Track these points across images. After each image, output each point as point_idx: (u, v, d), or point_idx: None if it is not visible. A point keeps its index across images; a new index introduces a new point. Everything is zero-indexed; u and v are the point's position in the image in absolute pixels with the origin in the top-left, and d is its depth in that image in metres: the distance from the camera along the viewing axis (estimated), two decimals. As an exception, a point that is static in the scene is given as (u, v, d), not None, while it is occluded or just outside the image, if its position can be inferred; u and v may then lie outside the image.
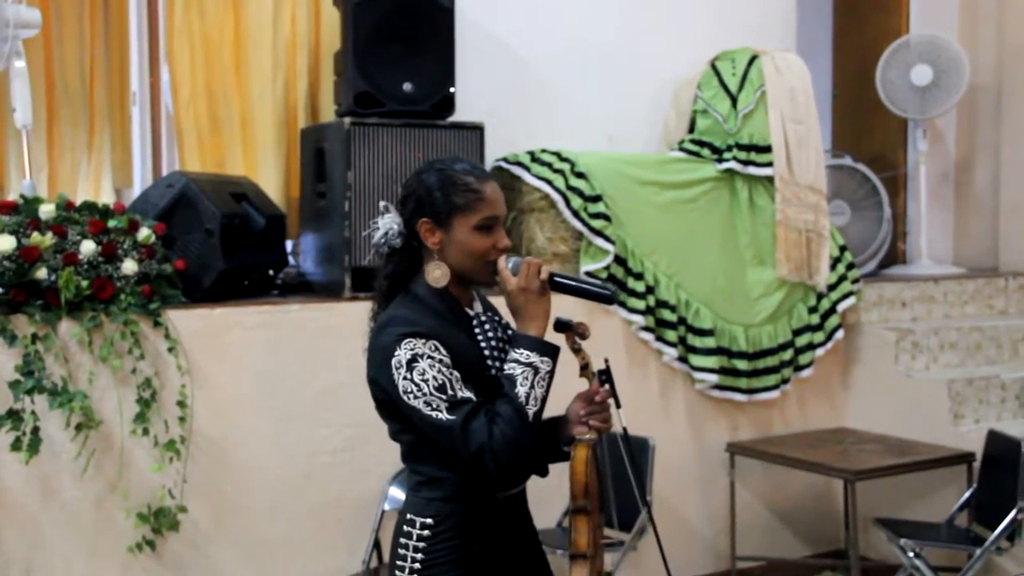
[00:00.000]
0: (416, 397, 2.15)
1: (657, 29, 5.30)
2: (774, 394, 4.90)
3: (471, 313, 2.31)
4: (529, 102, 5.00)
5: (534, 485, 4.35)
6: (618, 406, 2.30)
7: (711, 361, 4.74)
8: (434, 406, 2.14)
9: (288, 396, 3.93)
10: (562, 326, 2.32)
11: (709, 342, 4.74)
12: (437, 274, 2.24)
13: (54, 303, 3.56)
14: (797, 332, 4.97)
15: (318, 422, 3.96)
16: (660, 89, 5.30)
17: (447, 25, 4.42)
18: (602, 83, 5.18)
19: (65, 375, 3.55)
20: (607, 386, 2.32)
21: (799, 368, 5.00)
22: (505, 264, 2.25)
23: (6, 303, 3.50)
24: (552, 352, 2.22)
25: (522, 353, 2.20)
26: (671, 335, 4.69)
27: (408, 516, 2.30)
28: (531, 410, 2.17)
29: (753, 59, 5.05)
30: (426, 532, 2.26)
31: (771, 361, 4.89)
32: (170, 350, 3.74)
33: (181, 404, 3.73)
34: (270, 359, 3.92)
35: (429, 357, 2.16)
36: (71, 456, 3.57)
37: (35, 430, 3.47)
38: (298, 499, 3.94)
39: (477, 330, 2.28)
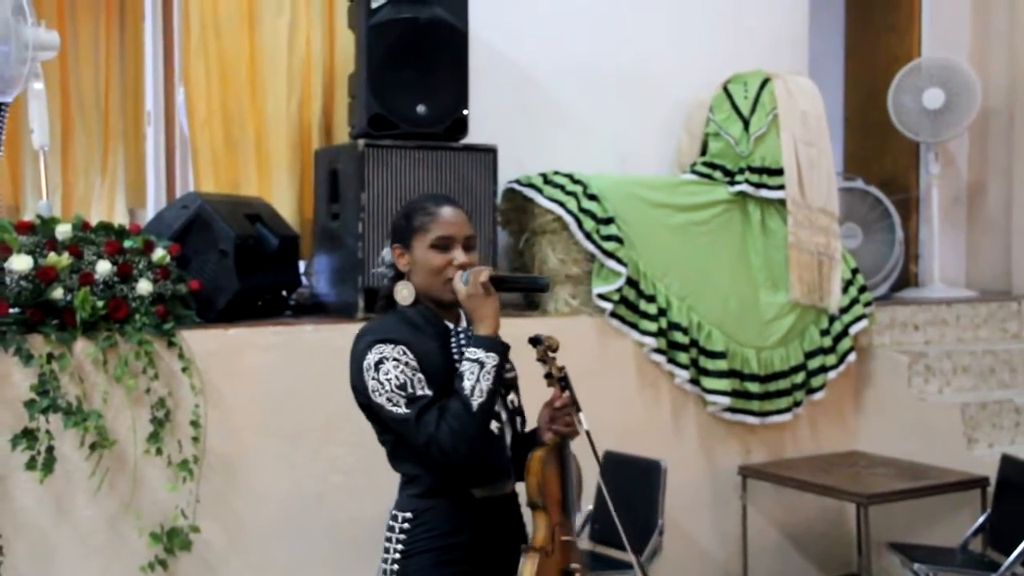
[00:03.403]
0: (381, 394, 2.38)
1: (669, 52, 5.32)
2: (786, 417, 4.90)
3: (450, 327, 2.51)
4: (542, 124, 5.02)
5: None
6: (577, 410, 2.47)
7: (723, 384, 4.73)
8: (395, 402, 2.37)
9: (301, 416, 3.94)
10: (533, 340, 2.53)
11: (721, 364, 4.74)
12: (404, 293, 2.50)
13: (70, 323, 3.58)
14: (809, 355, 4.97)
15: (331, 442, 3.97)
16: (672, 112, 5.32)
17: (461, 48, 4.45)
18: (614, 106, 5.20)
19: (80, 394, 3.57)
20: (567, 392, 2.50)
21: (811, 391, 4.99)
22: (459, 279, 2.43)
23: (23, 322, 3.52)
24: (498, 348, 2.39)
25: (472, 351, 2.38)
26: (683, 357, 4.69)
27: (392, 512, 2.51)
28: (475, 401, 2.33)
29: (765, 82, 5.06)
30: (406, 526, 2.47)
31: (783, 384, 4.88)
32: (184, 370, 3.75)
33: (194, 424, 3.74)
34: (283, 379, 3.93)
35: (395, 359, 2.38)
36: (85, 475, 3.58)
37: (50, 449, 3.48)
38: (311, 519, 3.95)
39: (452, 341, 2.48)
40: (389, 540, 2.49)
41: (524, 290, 2.47)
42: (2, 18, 3.89)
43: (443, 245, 2.45)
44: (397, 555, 2.47)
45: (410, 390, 2.36)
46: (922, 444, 4.84)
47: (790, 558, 4.99)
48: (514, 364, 2.58)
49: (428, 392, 2.37)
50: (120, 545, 3.65)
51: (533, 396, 2.64)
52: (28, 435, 3.46)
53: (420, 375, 2.38)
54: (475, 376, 2.35)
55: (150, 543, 3.65)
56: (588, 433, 2.45)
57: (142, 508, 3.66)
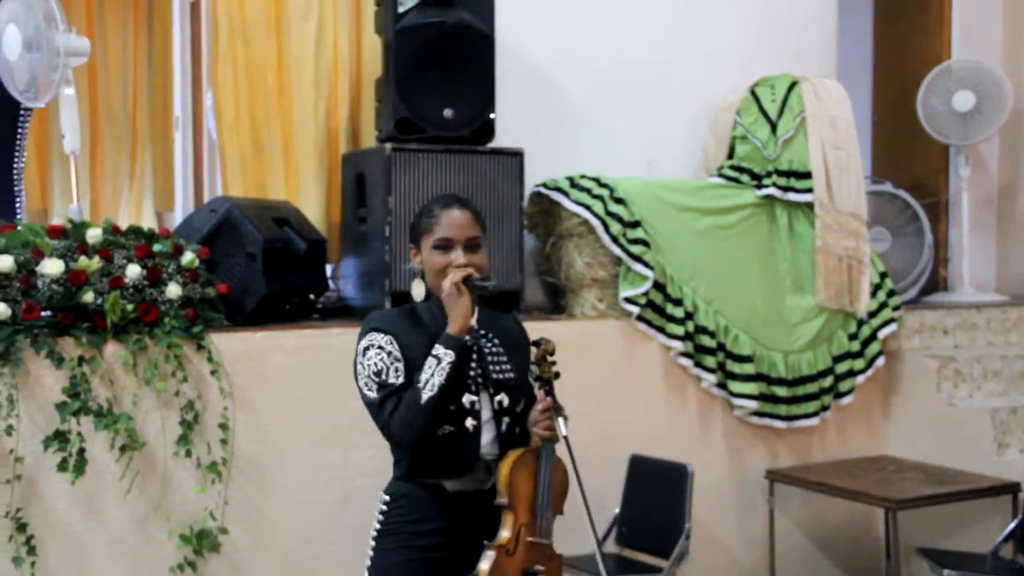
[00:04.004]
0: (360, 378, 2.57)
1: (696, 55, 5.31)
2: (814, 421, 4.87)
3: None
4: (568, 128, 5.02)
5: (568, 511, 4.35)
6: (558, 415, 2.52)
7: (750, 387, 4.72)
8: (368, 387, 2.55)
9: (328, 419, 3.96)
10: (534, 343, 2.68)
11: (748, 368, 4.72)
12: (417, 290, 2.67)
13: (100, 326, 3.61)
14: (837, 359, 4.94)
15: (357, 445, 3.97)
16: (698, 115, 5.31)
17: (487, 52, 4.46)
18: (641, 109, 5.19)
19: (110, 397, 3.60)
20: (549, 397, 2.55)
21: (839, 395, 4.96)
22: (448, 280, 2.55)
23: (54, 326, 3.55)
24: (455, 346, 2.48)
25: (435, 347, 2.50)
26: (710, 361, 4.68)
27: (381, 492, 2.70)
28: (425, 395, 2.46)
29: (793, 85, 5.04)
30: (384, 507, 2.66)
31: (811, 388, 4.86)
32: (213, 373, 3.78)
33: (223, 427, 3.77)
34: (310, 382, 3.95)
35: (379, 347, 2.55)
36: (116, 477, 3.61)
37: (81, 451, 3.51)
38: (337, 521, 3.96)
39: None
40: (375, 518, 2.69)
41: (479, 292, 2.53)
42: (34, 25, 3.93)
43: (444, 246, 2.58)
44: (375, 533, 2.67)
45: (383, 377, 2.52)
46: (952, 449, 4.81)
47: (818, 563, 4.97)
48: (515, 365, 2.63)
49: (399, 381, 2.51)
50: (150, 546, 3.68)
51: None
52: (60, 437, 3.49)
53: (399, 365, 2.53)
54: (431, 371, 2.47)
55: (179, 544, 3.68)
56: (566, 439, 2.49)
57: (171, 510, 3.68)
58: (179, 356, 3.71)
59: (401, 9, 4.32)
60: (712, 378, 4.69)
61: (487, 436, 2.59)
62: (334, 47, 4.71)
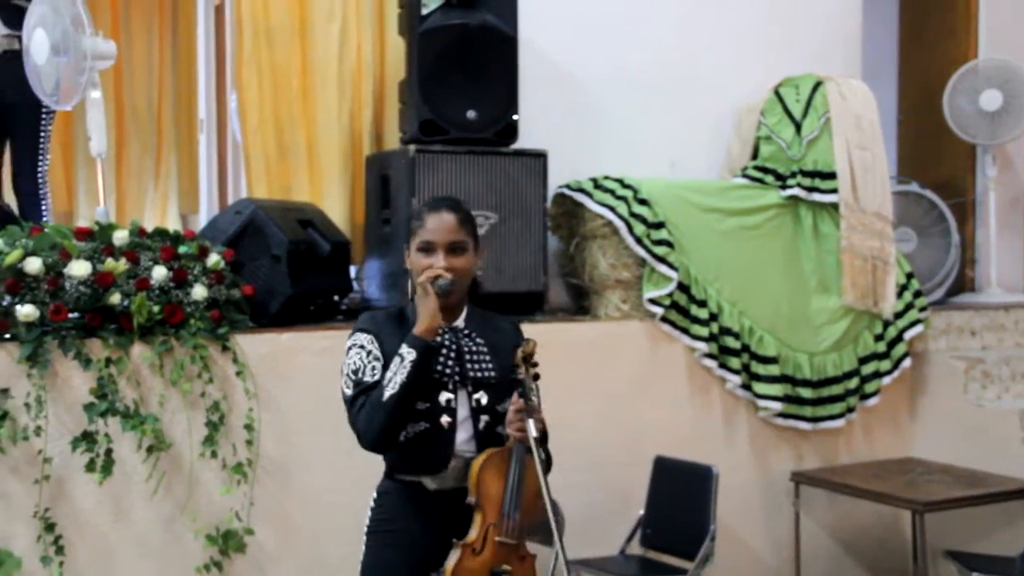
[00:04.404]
0: (342, 375, 2.63)
1: (719, 55, 5.29)
2: (839, 423, 4.84)
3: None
4: (592, 129, 5.02)
5: (593, 513, 4.35)
6: (529, 416, 2.50)
7: (775, 389, 4.69)
8: (346, 384, 2.62)
9: (353, 420, 3.95)
10: (515, 345, 2.65)
11: (773, 369, 4.70)
12: (417, 294, 2.67)
13: (127, 327, 3.63)
14: (863, 360, 4.91)
15: (382, 447, 3.97)
16: (722, 116, 5.29)
17: (510, 53, 4.46)
18: (664, 110, 5.18)
19: (137, 398, 3.62)
20: (522, 399, 2.55)
21: (865, 397, 4.93)
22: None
23: (82, 327, 3.58)
24: (417, 344, 2.50)
25: (401, 346, 2.53)
26: (735, 362, 4.66)
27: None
28: (387, 392, 2.49)
29: (817, 85, 5.02)
30: (372, 504, 2.71)
31: (836, 389, 4.83)
32: (238, 374, 3.79)
33: (248, 427, 3.78)
34: (335, 383, 3.91)
35: (360, 347, 2.61)
36: (142, 477, 3.63)
37: (108, 452, 3.53)
38: (362, 522, 3.89)
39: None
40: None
41: (441, 293, 2.57)
42: (62, 29, 3.96)
43: (426, 249, 2.62)
44: (366, 528, 2.71)
45: (360, 376, 2.58)
46: (979, 451, 4.77)
47: (844, 565, 4.94)
48: (498, 365, 2.64)
49: (373, 380, 2.55)
50: (176, 546, 3.70)
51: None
52: (87, 438, 3.51)
53: (378, 364, 2.58)
54: (394, 370, 2.51)
55: (205, 545, 3.70)
56: (534, 440, 2.49)
57: (198, 510, 3.70)
58: (205, 357, 3.73)
59: (424, 11, 4.33)
60: (737, 379, 4.67)
61: (463, 434, 2.61)
62: (358, 49, 4.73)
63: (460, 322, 2.69)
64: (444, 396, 2.59)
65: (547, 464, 2.71)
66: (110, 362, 3.58)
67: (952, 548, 4.46)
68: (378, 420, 2.51)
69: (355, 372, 2.59)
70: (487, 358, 2.65)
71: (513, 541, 2.56)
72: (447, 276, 2.55)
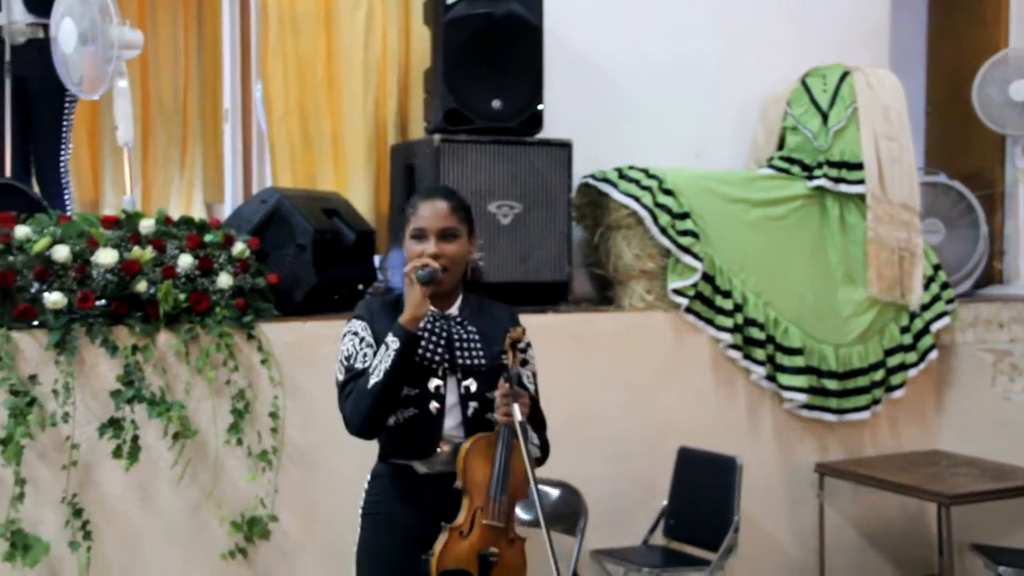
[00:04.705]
0: (337, 361, 2.66)
1: (745, 45, 5.26)
2: (864, 415, 4.82)
3: (429, 312, 2.64)
4: (616, 119, 5.00)
5: (617, 503, 4.34)
6: (514, 401, 2.52)
7: (800, 380, 4.67)
8: (339, 370, 2.65)
9: (377, 409, 3.96)
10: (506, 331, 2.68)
11: (798, 361, 4.68)
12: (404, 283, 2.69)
13: (153, 315, 3.65)
14: (889, 352, 4.88)
15: (406, 435, 3.99)
16: (747, 106, 5.26)
17: (535, 43, 4.45)
18: (689, 100, 5.16)
19: (163, 385, 3.64)
20: (507, 384, 2.56)
21: (891, 389, 4.90)
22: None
23: (108, 315, 3.60)
24: (401, 333, 2.54)
25: (387, 335, 2.57)
26: (759, 353, 4.64)
27: None
28: (372, 379, 2.54)
29: (845, 75, 4.98)
30: (367, 485, 2.76)
31: (862, 381, 4.80)
32: (263, 362, 3.81)
33: (273, 415, 3.80)
34: (360, 372, 3.96)
35: (354, 333, 2.66)
36: (168, 464, 3.65)
37: (135, 438, 3.55)
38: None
39: (421, 325, 2.61)
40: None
41: (424, 283, 2.60)
42: (89, 18, 3.98)
43: (418, 236, 2.65)
44: (360, 509, 2.76)
45: (351, 362, 2.62)
46: (1007, 444, 4.74)
47: (868, 558, 4.92)
48: (489, 353, 2.66)
49: (364, 366, 2.59)
50: (202, 532, 3.72)
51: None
52: (114, 424, 3.54)
53: (369, 351, 2.61)
54: (379, 358, 2.55)
55: (231, 531, 3.72)
56: (520, 424, 2.51)
57: (223, 497, 3.72)
58: (230, 345, 3.75)
59: (450, 0, 4.32)
60: (761, 371, 4.65)
61: (452, 420, 2.65)
62: (383, 38, 4.73)
63: (454, 310, 2.72)
64: (433, 383, 2.63)
65: (543, 451, 2.75)
66: (136, 349, 3.60)
67: (978, 542, 4.43)
68: (364, 406, 2.57)
69: (347, 359, 2.64)
70: (478, 346, 2.67)
71: (500, 524, 2.59)
72: (433, 265, 2.58)
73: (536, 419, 2.72)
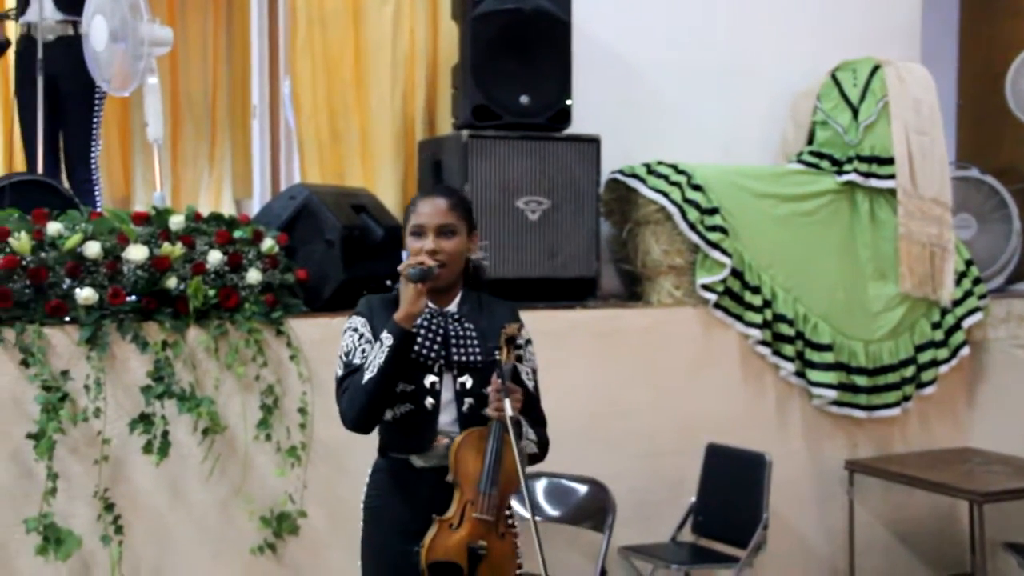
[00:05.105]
0: (337, 356, 2.70)
1: (775, 40, 5.23)
2: (895, 411, 4.78)
3: (426, 308, 2.66)
4: (645, 114, 4.98)
5: (645, 499, 4.33)
6: (505, 396, 2.53)
7: (829, 376, 4.64)
8: (339, 364, 2.69)
9: (405, 405, 3.97)
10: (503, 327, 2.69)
11: (827, 357, 4.65)
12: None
13: (183, 311, 3.67)
14: (920, 348, 4.84)
15: (434, 431, 3.99)
16: (776, 100, 5.23)
17: (564, 38, 4.44)
18: (718, 95, 5.14)
19: (193, 381, 3.66)
20: (500, 379, 2.57)
21: (921, 385, 4.86)
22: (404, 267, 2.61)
23: (139, 311, 3.62)
24: (395, 330, 2.56)
25: (383, 332, 2.59)
26: (788, 349, 4.61)
27: None
28: (367, 375, 2.57)
29: (875, 69, 4.94)
30: (368, 479, 2.77)
31: (892, 377, 4.77)
32: (292, 358, 3.82)
33: (302, 411, 3.81)
34: (388, 368, 3.96)
35: (354, 330, 2.69)
36: (198, 460, 3.67)
37: (165, 434, 3.57)
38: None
39: (418, 321, 2.62)
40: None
41: (417, 280, 2.59)
42: (120, 16, 4.01)
43: (417, 232, 2.67)
44: (362, 501, 2.78)
45: (349, 358, 2.66)
46: (1040, 441, 4.69)
47: (899, 555, 4.88)
48: (485, 349, 2.66)
49: (362, 362, 2.62)
50: (231, 527, 3.74)
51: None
52: (145, 420, 3.56)
53: (367, 347, 2.63)
54: (375, 354, 2.57)
55: (260, 526, 3.73)
56: (511, 420, 2.52)
57: (252, 492, 3.74)
58: (259, 341, 3.76)
59: (478, -4, 4.32)
60: (791, 367, 4.62)
61: (447, 416, 2.66)
62: (411, 34, 4.73)
63: (452, 306, 2.73)
64: (429, 379, 2.64)
65: (541, 447, 2.74)
66: (166, 345, 3.62)
67: (1011, 540, 4.38)
68: (359, 401, 2.59)
69: (346, 354, 2.67)
70: (474, 342, 2.68)
71: (490, 518, 2.59)
72: (427, 263, 2.59)
73: (534, 416, 2.73)
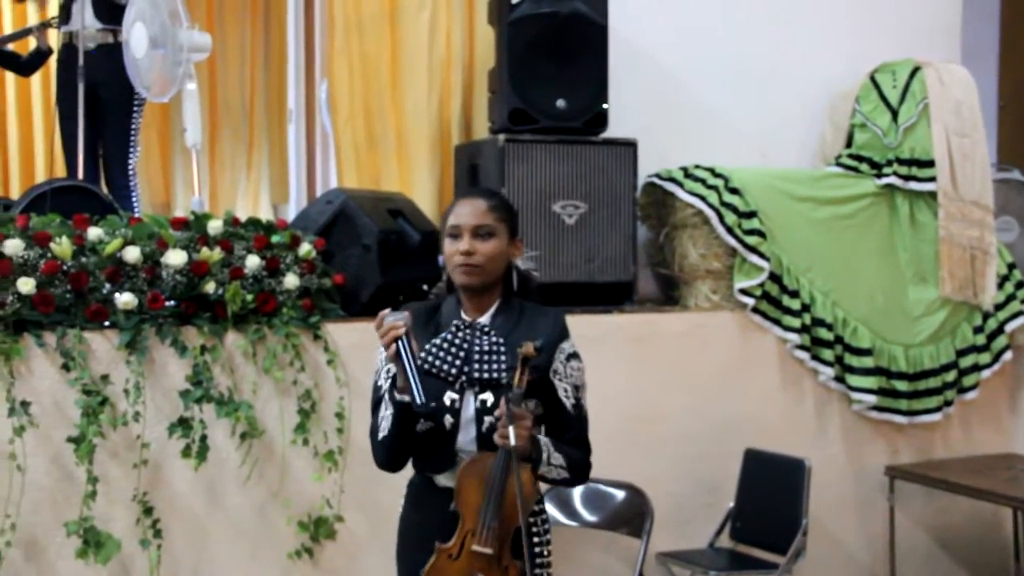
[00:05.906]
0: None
1: (812, 41, 5.19)
2: (936, 416, 4.72)
3: (459, 321, 2.58)
4: (682, 117, 4.96)
5: (683, 505, 4.30)
6: (509, 422, 2.39)
7: (869, 381, 4.59)
8: (372, 383, 2.62)
9: (441, 409, 3.97)
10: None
11: (867, 362, 4.60)
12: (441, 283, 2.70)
13: (221, 316, 3.69)
14: (961, 353, 4.78)
15: (470, 436, 3.99)
16: (814, 103, 5.19)
17: (600, 41, 4.43)
18: (755, 97, 5.10)
19: (231, 385, 3.68)
20: (508, 404, 2.43)
21: (963, 390, 4.80)
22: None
23: (178, 315, 3.64)
24: (395, 403, 2.48)
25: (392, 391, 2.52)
26: (827, 354, 4.57)
27: None
28: (381, 432, 2.54)
29: (915, 71, 4.89)
30: (402, 498, 2.71)
31: (933, 382, 4.71)
32: (329, 363, 3.83)
33: (339, 416, 3.82)
34: (424, 373, 3.97)
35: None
36: (236, 464, 3.69)
37: (203, 438, 3.59)
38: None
39: (444, 334, 2.57)
40: None
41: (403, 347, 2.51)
42: (160, 22, 4.04)
43: (453, 234, 2.57)
44: (399, 517, 2.72)
45: (377, 377, 2.62)
46: (1085, 448, 4.61)
47: (940, 563, 4.82)
48: (508, 365, 2.50)
49: (386, 384, 2.54)
50: (268, 532, 3.75)
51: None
52: (183, 424, 3.58)
53: (391, 367, 2.53)
54: (383, 413, 2.52)
55: (297, 531, 3.75)
56: (511, 449, 2.38)
57: (290, 497, 3.75)
58: (296, 346, 3.77)
59: (515, 0, 4.31)
60: (830, 371, 4.58)
61: (466, 435, 2.53)
62: (447, 38, 4.73)
63: (485, 317, 2.59)
64: (449, 396, 2.53)
65: (574, 472, 2.55)
66: (205, 349, 3.64)
67: (1055, 548, 4.32)
68: (379, 454, 2.57)
69: (376, 372, 2.62)
70: (500, 357, 2.53)
71: (488, 551, 2.44)
72: (404, 326, 2.44)
73: (570, 437, 2.57)
